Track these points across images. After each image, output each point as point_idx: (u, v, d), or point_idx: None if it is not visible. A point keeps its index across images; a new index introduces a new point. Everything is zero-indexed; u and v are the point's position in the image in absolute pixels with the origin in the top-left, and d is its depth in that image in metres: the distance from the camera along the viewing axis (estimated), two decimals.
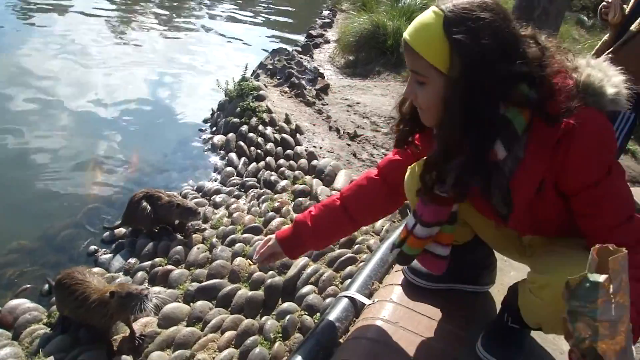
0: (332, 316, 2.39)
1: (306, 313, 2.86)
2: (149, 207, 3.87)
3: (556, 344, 2.29)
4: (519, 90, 1.51)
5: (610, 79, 1.57)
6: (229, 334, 2.85)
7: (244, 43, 9.65)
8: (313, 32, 9.80)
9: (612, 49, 3.54)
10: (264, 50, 8.71)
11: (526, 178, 1.63)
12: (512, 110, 1.54)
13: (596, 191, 1.58)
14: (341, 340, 2.31)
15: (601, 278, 1.21)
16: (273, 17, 11.82)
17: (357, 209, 2.27)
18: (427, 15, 1.57)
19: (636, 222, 1.61)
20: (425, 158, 1.82)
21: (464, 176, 1.71)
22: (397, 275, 2.62)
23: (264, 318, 2.91)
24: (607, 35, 3.81)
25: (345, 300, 2.48)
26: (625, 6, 3.62)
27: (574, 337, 1.26)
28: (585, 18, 13.39)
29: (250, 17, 11.50)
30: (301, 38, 9.79)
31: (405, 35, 1.61)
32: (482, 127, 1.55)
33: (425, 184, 1.84)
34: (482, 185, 1.80)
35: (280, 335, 2.76)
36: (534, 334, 2.27)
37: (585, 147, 1.52)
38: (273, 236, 2.39)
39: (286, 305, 2.95)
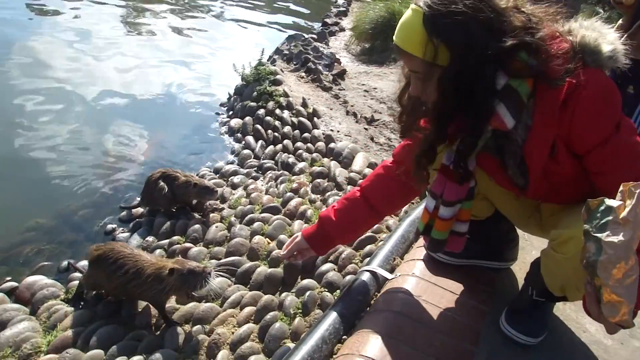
0: (354, 289, 2.38)
1: (326, 290, 2.84)
2: (166, 187, 3.86)
3: (579, 322, 2.28)
4: (518, 59, 1.54)
5: (605, 36, 1.59)
6: (248, 309, 2.84)
7: (259, 30, 9.64)
8: (328, 20, 9.76)
9: (629, 32, 3.49)
10: (279, 36, 8.69)
11: (537, 143, 1.64)
12: (515, 79, 1.57)
13: (607, 148, 1.58)
14: (363, 314, 2.29)
15: (615, 203, 1.29)
16: (288, 5, 11.78)
17: (377, 197, 2.29)
18: (408, 15, 1.62)
19: None
20: (421, 140, 1.88)
21: (464, 152, 1.78)
22: (418, 251, 2.61)
23: (283, 294, 2.90)
24: (622, 19, 3.77)
25: (367, 274, 2.46)
26: None
27: (585, 257, 1.34)
28: (600, 10, 13.29)
29: (265, 5, 11.45)
30: (316, 26, 9.75)
31: (395, 38, 1.67)
32: (477, 105, 1.60)
33: (419, 163, 1.90)
34: (497, 157, 1.84)
35: (300, 311, 2.75)
36: (557, 311, 2.26)
37: (589, 105, 1.53)
38: (299, 233, 2.41)
39: (306, 282, 2.93)
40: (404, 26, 1.63)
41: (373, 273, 2.47)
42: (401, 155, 2.21)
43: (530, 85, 1.58)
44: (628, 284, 1.29)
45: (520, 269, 2.54)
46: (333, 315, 2.22)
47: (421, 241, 2.70)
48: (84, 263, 3.46)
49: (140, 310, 3.03)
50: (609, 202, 1.30)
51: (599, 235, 1.29)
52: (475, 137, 1.71)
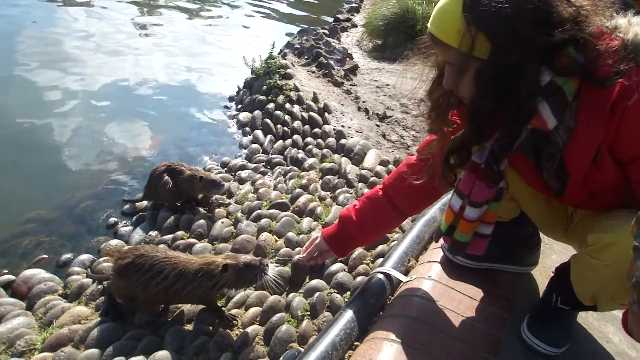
0: (367, 292, 2.27)
1: (336, 291, 2.72)
2: (170, 181, 3.73)
3: (602, 331, 2.19)
4: (565, 54, 1.41)
5: None
6: (253, 310, 2.72)
7: (270, 24, 9.57)
8: (340, 16, 9.70)
9: None
10: (290, 30, 8.63)
11: (581, 148, 1.50)
12: (561, 77, 1.43)
13: None
14: (376, 318, 2.18)
15: None
16: (299, 0, 11.68)
17: (400, 196, 2.20)
18: (445, 1, 1.49)
19: None
20: (453, 138, 1.76)
21: (499, 153, 1.64)
22: (434, 252, 2.49)
23: (290, 295, 2.78)
24: None
25: (381, 276, 2.35)
26: None
27: (634, 275, 1.19)
28: (615, 14, 13.23)
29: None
30: (328, 22, 9.65)
31: (429, 26, 1.54)
32: (519, 102, 1.47)
33: (449, 164, 1.80)
34: (531, 157, 1.71)
35: (308, 313, 2.63)
36: (579, 319, 2.16)
37: None
38: (319, 234, 2.35)
39: (314, 282, 2.81)
40: (441, 12, 1.49)
41: (387, 275, 2.35)
42: (426, 152, 2.07)
43: (575, 84, 1.44)
44: None
45: (540, 274, 2.45)
46: (344, 320, 2.10)
47: (437, 242, 2.59)
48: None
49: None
50: None
51: None
52: (513, 137, 1.57)
